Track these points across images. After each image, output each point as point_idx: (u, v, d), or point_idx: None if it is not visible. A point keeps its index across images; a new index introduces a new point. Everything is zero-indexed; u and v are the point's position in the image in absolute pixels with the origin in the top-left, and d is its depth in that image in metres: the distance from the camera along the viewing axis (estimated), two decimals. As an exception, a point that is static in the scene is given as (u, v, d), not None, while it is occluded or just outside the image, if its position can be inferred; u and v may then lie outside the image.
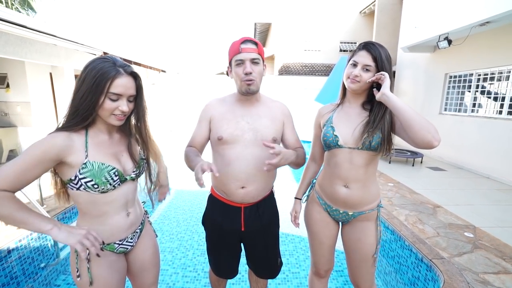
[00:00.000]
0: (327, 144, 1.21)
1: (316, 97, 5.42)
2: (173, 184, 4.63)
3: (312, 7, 12.19)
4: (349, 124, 1.19)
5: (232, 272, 1.44)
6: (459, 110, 5.43)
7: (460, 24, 4.34)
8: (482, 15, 3.90)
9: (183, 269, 2.35)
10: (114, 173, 0.91)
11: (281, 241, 2.81)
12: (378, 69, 1.09)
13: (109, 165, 0.90)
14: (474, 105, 5.09)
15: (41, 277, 2.09)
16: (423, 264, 1.96)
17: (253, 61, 1.15)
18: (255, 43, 1.16)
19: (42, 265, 2.11)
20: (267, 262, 1.40)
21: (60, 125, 0.87)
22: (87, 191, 0.87)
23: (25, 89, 5.09)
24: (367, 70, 1.10)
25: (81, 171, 0.85)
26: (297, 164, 1.23)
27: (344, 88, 1.24)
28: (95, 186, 0.87)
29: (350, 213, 1.24)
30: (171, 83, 10.26)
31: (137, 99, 0.96)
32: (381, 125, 1.11)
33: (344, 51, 12.57)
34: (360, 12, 11.90)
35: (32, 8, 11.04)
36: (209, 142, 1.32)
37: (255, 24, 14.47)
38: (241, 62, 1.15)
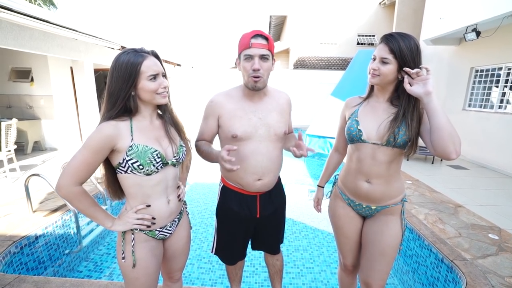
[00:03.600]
0: (350, 138, 1.21)
1: (332, 92, 5.30)
2: (188, 177, 4.71)
3: (329, -1, 11.86)
4: (375, 119, 1.17)
5: (242, 256, 1.52)
6: (485, 106, 5.15)
7: (491, 14, 4.07)
8: (516, 4, 3.65)
9: (198, 261, 2.40)
10: (156, 155, 0.97)
11: (295, 237, 2.84)
12: (398, 61, 1.06)
13: (151, 147, 0.97)
14: (501, 101, 4.81)
15: (65, 263, 2.19)
16: (443, 264, 1.90)
17: (262, 57, 1.13)
18: (266, 38, 1.13)
19: (66, 251, 2.22)
20: (275, 239, 1.50)
21: (103, 116, 0.95)
22: (133, 173, 0.95)
23: (47, 83, 5.29)
24: (384, 62, 1.08)
25: (128, 153, 0.93)
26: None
27: None
28: (140, 167, 0.95)
29: (373, 207, 1.23)
30: (186, 77, 10.35)
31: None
32: (409, 121, 1.07)
33: (362, 44, 12.17)
34: (380, 3, 11.46)
35: (53, 4, 11.39)
36: (217, 136, 1.36)
37: (270, 17, 14.26)
38: (250, 57, 1.13)
